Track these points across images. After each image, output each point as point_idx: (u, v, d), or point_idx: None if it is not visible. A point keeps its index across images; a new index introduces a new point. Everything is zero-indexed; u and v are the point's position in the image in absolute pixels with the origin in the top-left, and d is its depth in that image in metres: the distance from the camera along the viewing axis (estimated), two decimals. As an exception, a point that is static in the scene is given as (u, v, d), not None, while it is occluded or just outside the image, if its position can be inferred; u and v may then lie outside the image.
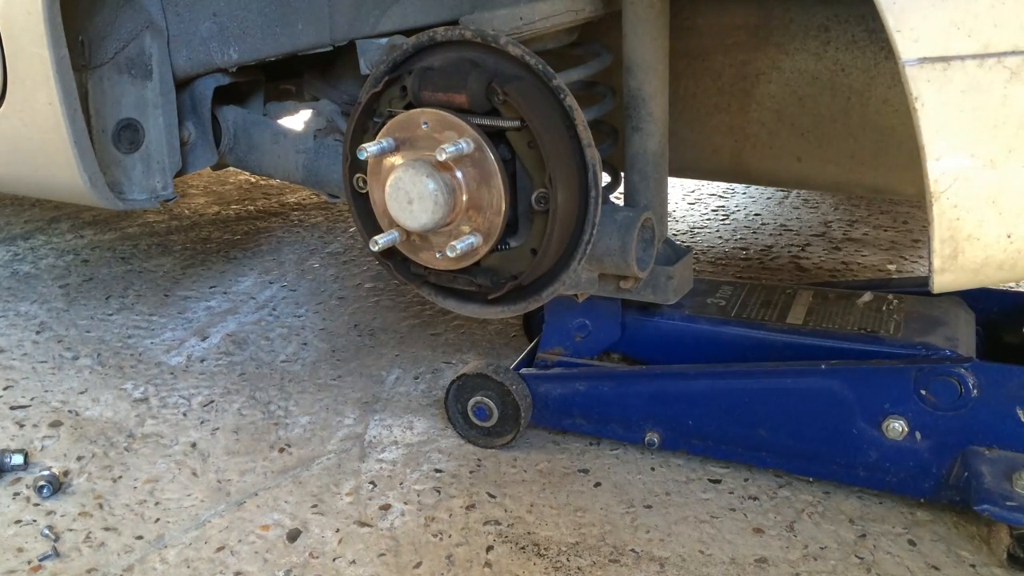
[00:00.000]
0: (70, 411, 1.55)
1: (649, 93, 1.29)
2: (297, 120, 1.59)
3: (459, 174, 1.10)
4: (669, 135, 1.34)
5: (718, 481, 1.29)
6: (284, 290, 2.06)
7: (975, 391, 1.12)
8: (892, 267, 2.08)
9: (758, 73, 1.54)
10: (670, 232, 2.28)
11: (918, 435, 1.16)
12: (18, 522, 1.26)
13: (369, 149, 1.10)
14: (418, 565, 1.14)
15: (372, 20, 1.32)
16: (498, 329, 1.80)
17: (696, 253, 2.18)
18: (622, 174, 1.39)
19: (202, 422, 1.50)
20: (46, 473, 1.32)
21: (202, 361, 1.72)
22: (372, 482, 1.32)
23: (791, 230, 2.33)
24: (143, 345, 1.79)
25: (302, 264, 2.22)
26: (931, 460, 1.16)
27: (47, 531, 1.23)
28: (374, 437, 1.44)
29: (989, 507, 1.06)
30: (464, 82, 1.06)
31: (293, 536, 1.21)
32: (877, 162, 1.49)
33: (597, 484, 1.30)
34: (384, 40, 1.23)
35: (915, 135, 0.88)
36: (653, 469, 1.33)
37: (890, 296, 1.36)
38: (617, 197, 1.53)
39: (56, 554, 1.19)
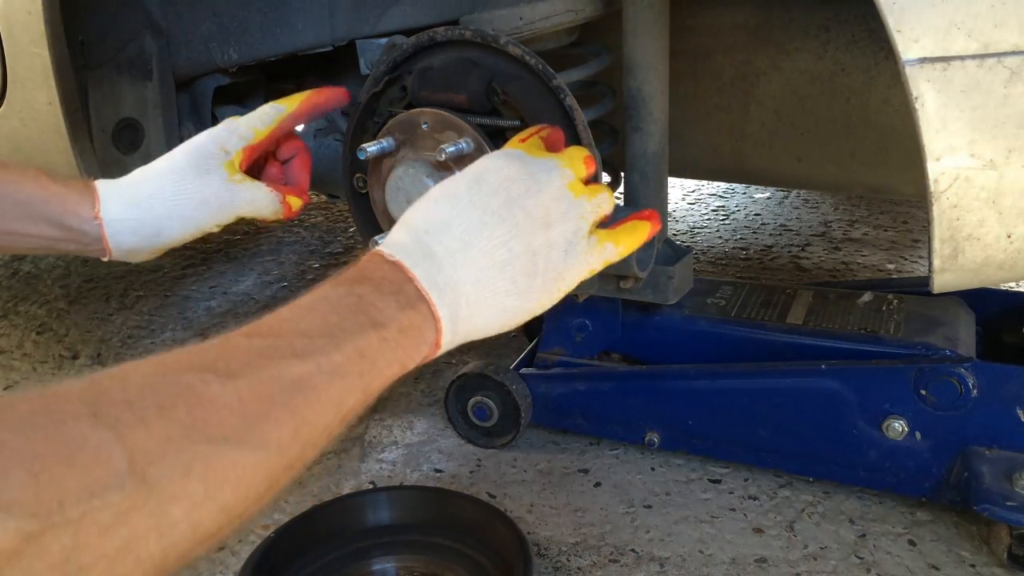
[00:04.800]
0: (70, 411, 1.55)
1: (649, 93, 1.29)
2: (297, 120, 1.58)
3: (459, 174, 1.09)
4: (669, 135, 1.34)
5: (718, 481, 1.29)
6: (284, 290, 2.06)
7: (975, 391, 1.12)
8: (892, 267, 2.08)
9: (758, 73, 1.54)
10: (670, 232, 2.28)
11: (918, 435, 1.16)
12: (18, 522, 1.25)
13: (369, 149, 1.10)
14: (418, 565, 1.14)
15: (372, 20, 1.32)
16: (498, 329, 1.80)
17: (696, 253, 2.18)
18: (622, 174, 1.39)
19: (202, 422, 1.50)
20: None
21: (202, 361, 1.72)
22: (372, 482, 1.32)
23: (791, 230, 2.33)
24: (143, 345, 1.79)
25: (302, 264, 2.22)
26: (931, 460, 1.16)
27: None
28: (374, 437, 1.44)
29: (989, 507, 1.06)
30: (464, 82, 1.06)
31: (293, 536, 1.21)
32: (877, 162, 1.49)
33: (597, 484, 1.30)
34: (384, 40, 1.23)
35: (915, 135, 0.88)
36: (653, 469, 1.33)
37: (890, 296, 1.36)
38: (617, 197, 1.53)
39: (56, 554, 1.18)
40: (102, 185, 0.96)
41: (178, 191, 0.95)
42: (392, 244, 0.69)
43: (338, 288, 0.63)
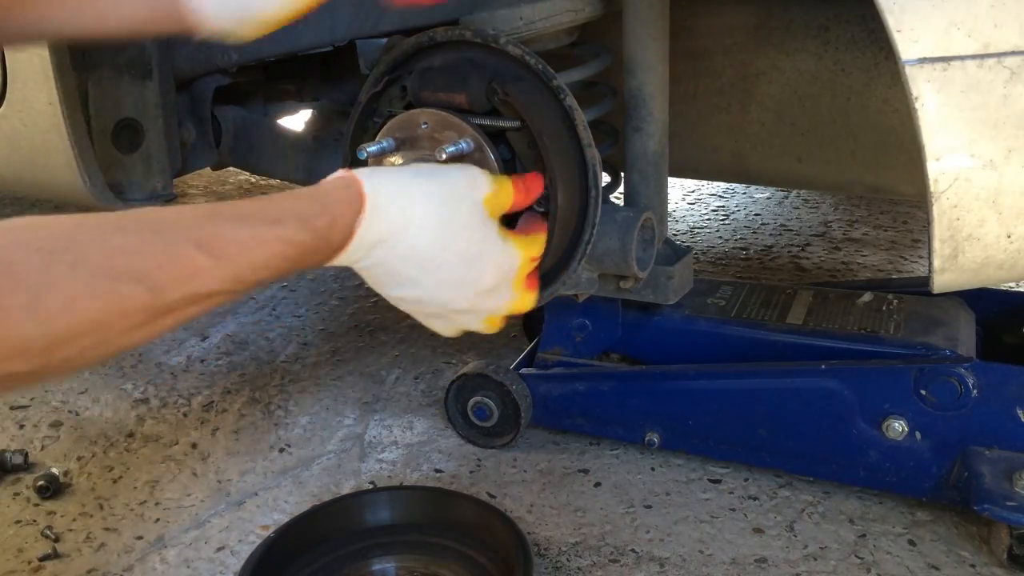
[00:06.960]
0: (70, 411, 1.55)
1: (649, 93, 1.29)
2: (297, 120, 1.59)
3: (459, 174, 1.09)
4: (669, 135, 1.34)
5: (718, 481, 1.29)
6: (284, 290, 2.06)
7: (975, 391, 1.12)
8: (892, 267, 2.08)
9: (758, 73, 1.54)
10: (670, 232, 2.28)
11: (918, 435, 1.16)
12: (18, 522, 1.26)
13: (369, 149, 1.10)
14: (418, 565, 1.14)
15: (372, 20, 1.31)
16: (498, 329, 1.80)
17: (696, 253, 2.18)
18: (622, 174, 1.39)
19: (202, 422, 1.50)
20: (46, 473, 1.32)
21: (202, 361, 1.72)
22: (372, 482, 1.32)
23: (791, 230, 2.33)
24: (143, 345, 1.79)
25: (302, 264, 2.22)
26: (931, 460, 1.16)
27: (47, 531, 1.23)
28: (374, 437, 1.44)
29: (989, 507, 1.06)
30: (464, 82, 1.06)
31: (293, 536, 1.21)
32: (877, 162, 1.49)
33: (597, 484, 1.30)
34: (384, 40, 1.23)
35: (915, 135, 0.88)
36: (653, 469, 1.33)
37: (890, 296, 1.36)
38: (617, 197, 1.53)
39: (56, 554, 1.19)
40: None
41: None
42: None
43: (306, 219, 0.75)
